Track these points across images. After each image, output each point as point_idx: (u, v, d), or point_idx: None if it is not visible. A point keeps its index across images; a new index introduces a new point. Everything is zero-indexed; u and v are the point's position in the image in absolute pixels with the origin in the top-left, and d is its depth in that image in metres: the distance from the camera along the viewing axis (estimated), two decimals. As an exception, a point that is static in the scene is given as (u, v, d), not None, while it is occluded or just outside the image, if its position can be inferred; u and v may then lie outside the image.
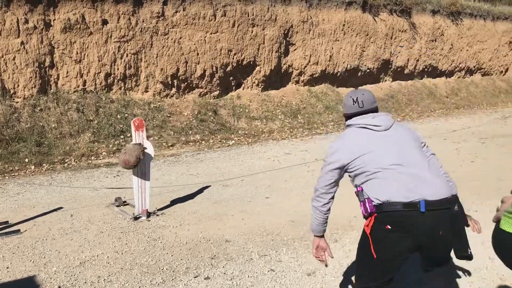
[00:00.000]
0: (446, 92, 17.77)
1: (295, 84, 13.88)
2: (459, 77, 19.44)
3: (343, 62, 14.75)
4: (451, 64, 18.86)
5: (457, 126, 11.69)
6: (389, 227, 2.14)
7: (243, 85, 12.51)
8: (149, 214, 4.96)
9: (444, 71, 18.63)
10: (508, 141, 9.05)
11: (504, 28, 21.58)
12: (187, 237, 4.29)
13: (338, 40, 14.61)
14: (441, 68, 18.41)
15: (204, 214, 4.95)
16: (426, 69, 17.77)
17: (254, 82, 12.64)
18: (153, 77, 10.63)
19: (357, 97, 2.46)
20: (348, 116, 2.49)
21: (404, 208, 2.10)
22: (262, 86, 12.80)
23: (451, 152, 8.17)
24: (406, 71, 16.89)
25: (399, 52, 16.40)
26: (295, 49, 13.53)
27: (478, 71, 20.46)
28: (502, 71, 21.77)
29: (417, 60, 17.19)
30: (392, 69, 16.39)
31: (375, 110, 2.46)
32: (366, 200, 2.23)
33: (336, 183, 2.40)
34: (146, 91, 10.67)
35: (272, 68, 12.73)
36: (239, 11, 11.89)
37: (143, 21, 10.40)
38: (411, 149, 2.31)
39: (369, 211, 2.21)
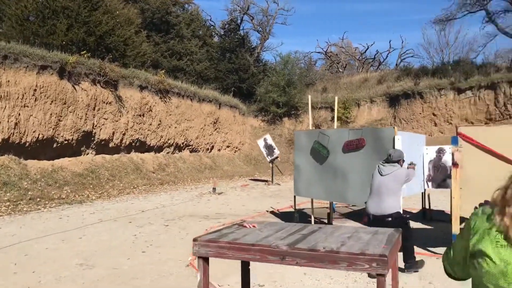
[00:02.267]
0: (153, 168, 17.61)
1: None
2: (168, 153, 19.79)
3: (34, 131, 12.75)
4: (160, 140, 19.07)
5: (152, 205, 11.14)
6: None
7: None
8: None
9: (153, 146, 18.63)
10: (191, 223, 8.78)
11: (209, 110, 23.61)
12: None
13: (28, 106, 12.62)
14: (150, 143, 18.34)
15: None
16: (133, 143, 17.32)
17: None
18: None
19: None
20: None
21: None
22: None
23: (127, 239, 7.23)
24: (111, 144, 15.99)
25: (103, 124, 15.43)
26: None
27: (187, 147, 21.42)
28: (208, 148, 23.49)
29: (124, 134, 16.58)
30: (95, 141, 15.22)
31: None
32: None
33: None
34: None
35: None
36: None
37: None
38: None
39: None
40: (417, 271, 5.38)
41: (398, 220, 5.23)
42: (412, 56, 48.33)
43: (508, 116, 21.65)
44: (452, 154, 5.95)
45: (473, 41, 39.46)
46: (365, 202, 5.64)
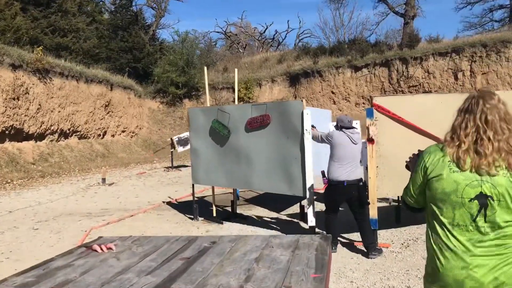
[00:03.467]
0: (33, 158, 15.32)
1: None
2: (52, 141, 17.44)
3: None
4: (41, 126, 16.68)
5: (25, 202, 9.33)
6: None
7: None
8: None
9: (32, 133, 16.22)
10: (69, 223, 7.29)
11: (99, 91, 21.37)
12: None
13: None
14: (28, 130, 15.92)
15: None
16: (7, 131, 14.86)
17: None
18: None
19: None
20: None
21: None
22: None
23: (-23, 253, 5.62)
24: (-24, 133, 13.49)
25: (-37, 110, 12.88)
26: None
27: (74, 134, 19.15)
28: (100, 134, 21.34)
29: (-7, 121, 14.10)
30: (-47, 130, 12.65)
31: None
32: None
33: None
34: None
35: None
36: None
37: None
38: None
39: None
40: (381, 253, 5.06)
41: (364, 185, 5.39)
42: (309, 36, 49.25)
43: (401, 92, 22.48)
44: (367, 128, 5.26)
45: (365, 21, 40.94)
46: (324, 172, 5.39)
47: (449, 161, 1.80)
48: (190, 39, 29.75)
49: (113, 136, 22.68)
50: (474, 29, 32.69)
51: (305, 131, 5.47)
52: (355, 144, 5.23)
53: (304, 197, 5.58)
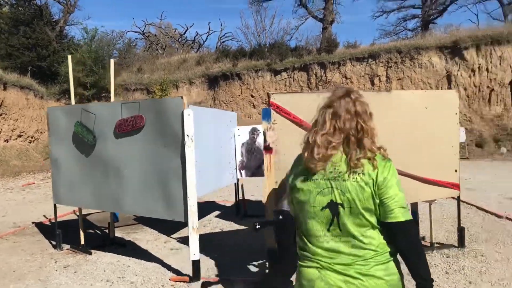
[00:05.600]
0: None
1: None
2: None
3: None
4: None
5: None
6: None
7: None
8: None
9: None
10: None
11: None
12: None
13: None
14: None
15: None
16: None
17: None
18: None
19: None
20: None
21: None
22: None
23: None
24: None
25: None
26: None
27: (-48, 139, 16.45)
28: (-13, 140, 18.66)
29: None
30: None
31: None
32: None
33: None
34: None
35: None
36: None
37: None
38: None
39: None
40: None
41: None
42: (231, 39, 48.22)
43: (320, 97, 22.10)
44: (264, 134, 4.14)
45: (287, 26, 40.84)
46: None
47: (303, 168, 1.80)
48: (101, 36, 27.53)
49: (6, 141, 20.02)
50: (389, 37, 33.65)
51: (186, 137, 4.24)
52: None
53: (186, 223, 4.33)
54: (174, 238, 6.12)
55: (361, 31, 64.83)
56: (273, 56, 24.48)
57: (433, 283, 1.69)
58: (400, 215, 1.67)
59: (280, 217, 3.23)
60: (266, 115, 4.13)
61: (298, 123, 4.09)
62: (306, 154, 1.77)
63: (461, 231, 5.24)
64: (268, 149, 4.11)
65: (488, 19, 34.36)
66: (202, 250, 4.59)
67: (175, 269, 4.71)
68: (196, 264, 4.27)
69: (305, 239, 1.78)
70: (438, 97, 4.74)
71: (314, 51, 24.99)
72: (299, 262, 1.82)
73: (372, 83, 21.92)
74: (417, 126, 4.45)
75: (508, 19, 30.38)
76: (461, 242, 5.22)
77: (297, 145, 4.00)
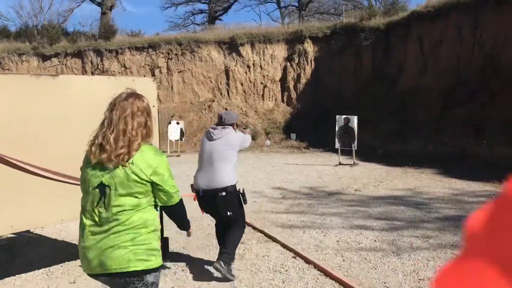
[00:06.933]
0: None
1: None
2: None
3: None
4: None
5: None
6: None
7: None
8: None
9: None
10: None
11: None
12: None
13: None
14: None
15: None
16: None
17: None
18: None
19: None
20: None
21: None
22: None
23: None
24: None
25: None
26: None
27: None
28: None
29: None
30: None
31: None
32: None
33: None
34: None
35: None
36: None
37: None
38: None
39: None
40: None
41: (233, 196, 4.15)
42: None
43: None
44: None
45: (68, 9, 36.86)
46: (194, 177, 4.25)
47: (86, 156, 2.13)
48: None
49: None
50: (178, 30, 33.35)
51: None
52: (213, 140, 4.18)
53: None
54: None
55: (152, 22, 64.03)
56: (43, 40, 21.45)
57: None
58: None
59: None
60: None
61: None
62: (88, 146, 2.10)
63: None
64: None
65: (269, 20, 37.02)
66: None
67: None
68: None
69: (82, 213, 2.16)
70: (131, 85, 3.88)
71: (91, 36, 22.81)
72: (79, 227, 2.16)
73: (153, 74, 21.02)
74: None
75: (284, 21, 33.29)
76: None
77: None
